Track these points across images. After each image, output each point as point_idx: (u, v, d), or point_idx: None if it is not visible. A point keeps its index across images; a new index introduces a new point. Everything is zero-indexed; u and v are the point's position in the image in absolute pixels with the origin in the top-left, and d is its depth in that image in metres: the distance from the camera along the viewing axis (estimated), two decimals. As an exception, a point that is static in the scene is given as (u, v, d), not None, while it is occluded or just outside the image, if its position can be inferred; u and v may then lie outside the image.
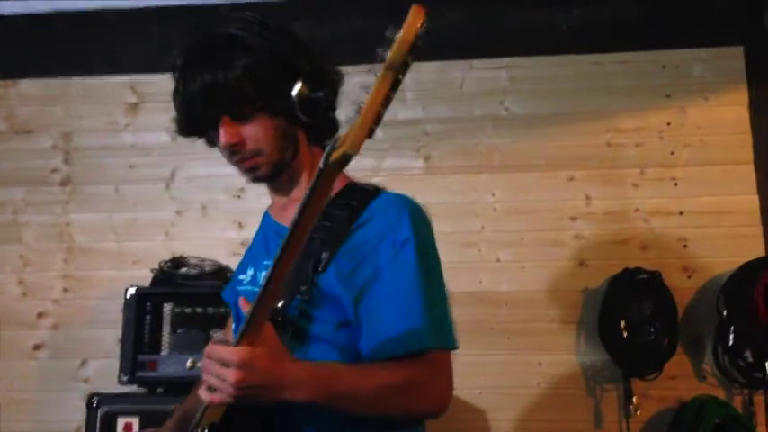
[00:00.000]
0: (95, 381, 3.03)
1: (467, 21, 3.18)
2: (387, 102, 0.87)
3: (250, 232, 3.07)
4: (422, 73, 3.15)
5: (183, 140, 3.17)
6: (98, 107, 3.31)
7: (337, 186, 1.39)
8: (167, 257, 2.96)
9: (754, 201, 2.91)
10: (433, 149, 3.11)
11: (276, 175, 1.41)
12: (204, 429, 1.21)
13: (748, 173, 2.93)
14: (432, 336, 1.24)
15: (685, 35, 3.03)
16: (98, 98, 3.32)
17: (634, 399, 2.72)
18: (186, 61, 1.36)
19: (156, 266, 2.89)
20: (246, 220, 3.15)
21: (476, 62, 3.16)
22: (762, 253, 2.84)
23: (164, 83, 3.18)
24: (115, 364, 2.95)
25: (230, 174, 3.09)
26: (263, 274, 1.42)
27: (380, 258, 1.28)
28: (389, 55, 0.82)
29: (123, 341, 2.64)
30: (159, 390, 2.65)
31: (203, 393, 1.11)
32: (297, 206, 1.31)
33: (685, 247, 2.91)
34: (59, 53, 3.35)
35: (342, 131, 0.93)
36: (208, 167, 3.20)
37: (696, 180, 2.95)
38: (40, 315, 3.13)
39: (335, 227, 1.31)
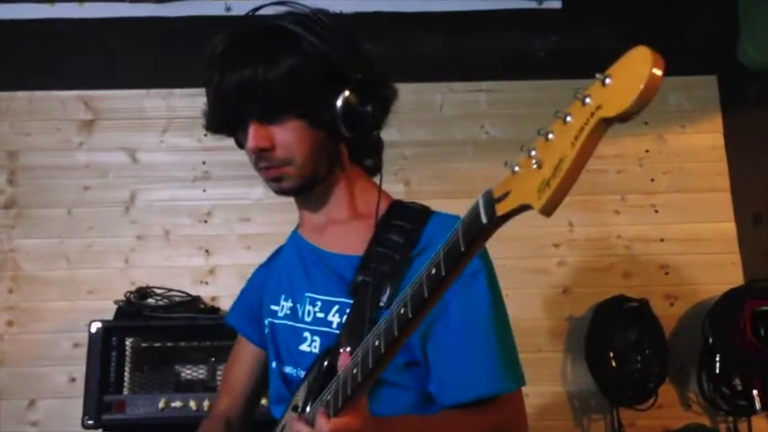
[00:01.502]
0: (45, 423, 2.77)
1: (445, 43, 3.12)
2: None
3: (218, 260, 2.94)
4: (399, 94, 3.05)
5: (143, 161, 3.05)
6: (48, 123, 3.06)
7: (383, 205, 1.28)
8: (126, 287, 2.75)
9: (731, 228, 2.94)
10: (412, 173, 3.01)
11: (303, 191, 1.27)
12: None
13: (725, 200, 2.97)
14: (511, 378, 1.17)
15: (661, 63, 3.05)
16: (48, 114, 3.07)
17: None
18: (227, 49, 1.21)
19: (115, 297, 2.66)
20: (214, 247, 2.96)
21: (455, 85, 3.09)
22: (740, 279, 2.87)
23: (121, 98, 3.07)
24: (68, 404, 2.74)
25: (196, 197, 2.99)
26: (307, 308, 1.28)
27: (448, 292, 1.16)
28: (616, 108, 0.62)
29: (88, 380, 2.39)
30: (126, 433, 2.42)
31: None
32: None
33: (667, 274, 2.91)
34: (4, 65, 3.08)
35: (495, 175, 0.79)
36: (171, 190, 3.01)
37: (676, 207, 2.97)
38: (-19, 351, 2.83)
39: (394, 255, 1.19)
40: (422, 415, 1.17)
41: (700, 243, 2.93)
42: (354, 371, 0.94)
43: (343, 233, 1.30)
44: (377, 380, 1.16)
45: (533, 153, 0.71)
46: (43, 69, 3.09)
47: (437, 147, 3.03)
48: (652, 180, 2.99)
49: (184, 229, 2.97)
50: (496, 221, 0.77)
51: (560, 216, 2.91)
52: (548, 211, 0.69)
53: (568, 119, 0.68)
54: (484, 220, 0.77)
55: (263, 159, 1.22)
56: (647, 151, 3.02)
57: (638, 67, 0.61)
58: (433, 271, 0.84)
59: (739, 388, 2.64)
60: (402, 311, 0.88)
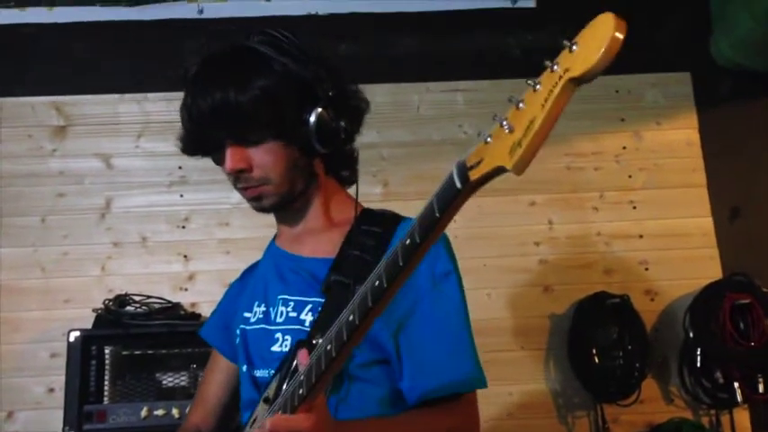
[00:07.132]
0: (24, 435, 2.71)
1: (421, 43, 3.12)
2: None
3: (197, 265, 2.91)
4: (376, 95, 3.04)
5: (117, 167, 3.01)
6: (19, 130, 3.00)
7: (351, 210, 1.31)
8: (104, 295, 2.70)
9: (708, 223, 2.96)
10: (392, 174, 3.00)
11: (282, 207, 1.31)
12: None
13: (702, 195, 2.99)
14: (479, 378, 1.21)
15: (636, 61, 3.06)
16: (19, 121, 3.01)
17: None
18: (199, 72, 1.24)
19: (93, 305, 2.62)
20: (193, 253, 2.93)
21: (432, 85, 3.09)
22: (719, 274, 2.89)
23: (94, 103, 3.02)
24: (47, 415, 2.70)
25: (173, 202, 2.96)
26: (280, 309, 1.29)
27: (419, 290, 1.20)
28: (581, 67, 0.67)
29: (67, 390, 2.35)
30: (107, 444, 2.38)
31: None
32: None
33: (647, 269, 2.93)
34: (-28, 71, 3.03)
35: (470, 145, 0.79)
36: (147, 195, 2.97)
37: (653, 203, 2.98)
38: (-44, 364, 2.77)
39: (365, 256, 1.22)
40: (383, 417, 1.19)
41: (678, 238, 2.95)
42: (328, 347, 0.96)
43: (318, 240, 1.33)
44: (347, 375, 1.18)
45: (505, 122, 0.75)
46: (12, 75, 3.04)
47: (415, 147, 3.03)
48: (629, 177, 3.01)
49: (162, 236, 2.94)
50: (470, 186, 0.80)
51: (540, 214, 2.94)
52: (519, 169, 0.72)
53: (538, 87, 0.72)
54: (458, 185, 0.80)
55: (241, 180, 1.25)
56: (624, 148, 3.04)
57: (601, 30, 0.67)
58: (408, 241, 0.86)
59: (721, 381, 2.66)
60: (377, 284, 0.89)
